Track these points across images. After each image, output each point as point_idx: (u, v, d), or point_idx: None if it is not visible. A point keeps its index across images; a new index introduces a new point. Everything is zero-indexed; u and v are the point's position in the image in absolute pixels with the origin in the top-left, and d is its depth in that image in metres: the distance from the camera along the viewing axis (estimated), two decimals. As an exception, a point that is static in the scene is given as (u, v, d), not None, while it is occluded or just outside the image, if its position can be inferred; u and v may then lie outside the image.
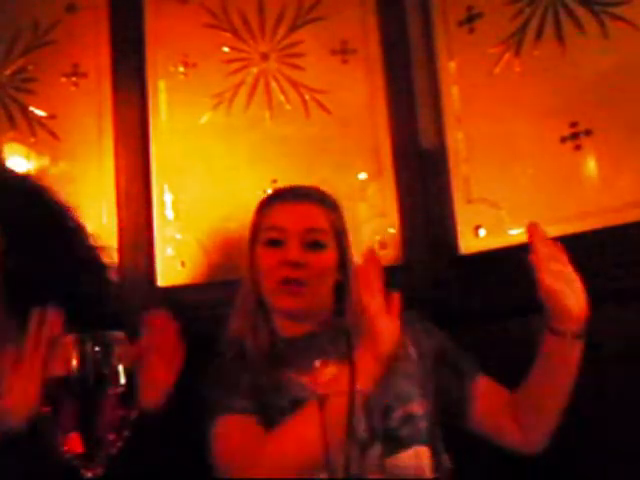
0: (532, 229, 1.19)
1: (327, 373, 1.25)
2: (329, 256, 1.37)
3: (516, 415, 1.31)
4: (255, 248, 1.41)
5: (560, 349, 1.20)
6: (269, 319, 1.38)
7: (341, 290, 1.39)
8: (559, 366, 1.22)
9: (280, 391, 1.28)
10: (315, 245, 1.35)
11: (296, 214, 1.38)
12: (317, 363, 1.26)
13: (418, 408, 1.28)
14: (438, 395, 1.34)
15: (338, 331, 1.29)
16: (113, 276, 1.43)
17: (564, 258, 1.17)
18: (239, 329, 1.38)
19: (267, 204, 1.43)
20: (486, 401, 1.35)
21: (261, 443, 1.19)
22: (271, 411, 1.25)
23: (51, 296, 1.10)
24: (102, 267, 1.38)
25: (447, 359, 1.38)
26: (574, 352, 1.21)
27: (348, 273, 1.38)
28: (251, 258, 1.41)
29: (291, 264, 1.32)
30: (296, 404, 1.20)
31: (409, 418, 1.26)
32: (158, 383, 1.18)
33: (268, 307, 1.38)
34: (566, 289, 1.16)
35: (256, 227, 1.42)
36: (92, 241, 1.39)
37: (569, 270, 1.17)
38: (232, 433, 1.24)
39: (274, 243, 1.36)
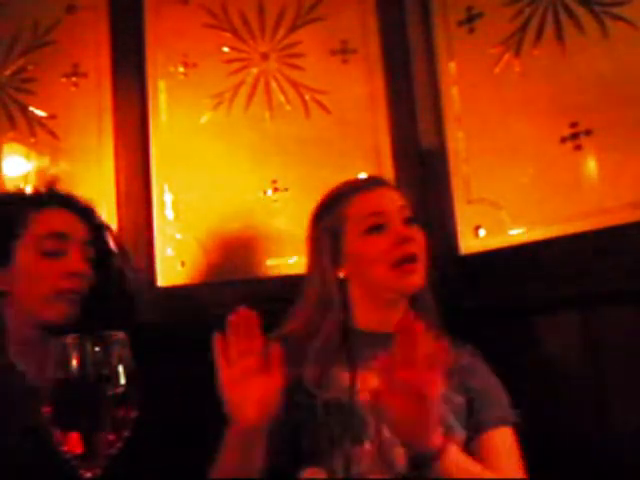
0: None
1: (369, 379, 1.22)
2: (420, 230, 1.39)
3: None
4: (342, 245, 1.38)
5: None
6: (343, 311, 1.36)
7: None
8: None
9: (325, 386, 1.27)
10: (411, 220, 1.38)
11: (387, 196, 1.40)
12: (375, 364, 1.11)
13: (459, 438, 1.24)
14: None
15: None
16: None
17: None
18: (305, 324, 1.36)
19: (343, 198, 1.41)
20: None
21: None
22: (304, 411, 1.24)
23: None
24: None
25: (475, 403, 1.31)
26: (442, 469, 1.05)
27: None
28: (332, 259, 1.37)
29: (404, 241, 1.33)
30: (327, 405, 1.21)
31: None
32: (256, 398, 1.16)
33: (361, 301, 1.37)
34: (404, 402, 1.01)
35: (336, 224, 1.39)
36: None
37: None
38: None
39: (377, 229, 1.35)
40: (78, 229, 1.38)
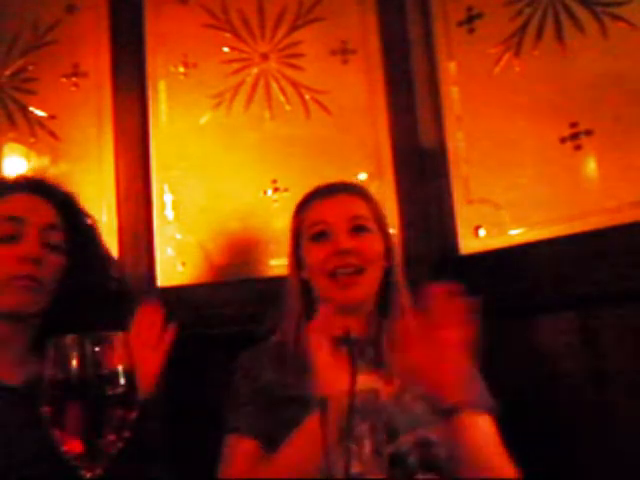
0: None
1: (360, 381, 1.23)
2: (377, 239, 1.38)
3: None
4: (299, 249, 1.41)
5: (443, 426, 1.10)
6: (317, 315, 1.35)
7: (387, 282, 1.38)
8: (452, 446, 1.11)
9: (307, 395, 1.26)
10: (361, 229, 1.37)
11: (337, 205, 1.39)
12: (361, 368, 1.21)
13: (433, 434, 1.21)
14: None
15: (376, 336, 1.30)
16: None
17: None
18: (286, 330, 1.37)
19: (305, 203, 1.44)
20: None
21: (259, 470, 1.20)
22: (290, 422, 1.22)
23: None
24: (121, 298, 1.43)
25: None
26: (452, 429, 1.08)
27: (393, 261, 1.39)
28: (296, 260, 1.41)
29: (341, 252, 1.32)
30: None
31: (424, 443, 1.21)
32: (147, 370, 1.26)
33: (319, 303, 1.36)
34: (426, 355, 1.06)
35: (297, 228, 1.43)
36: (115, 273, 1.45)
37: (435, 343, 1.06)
38: (233, 457, 1.25)
39: (320, 236, 1.36)
40: (40, 214, 1.31)
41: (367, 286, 1.34)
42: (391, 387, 1.23)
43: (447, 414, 1.07)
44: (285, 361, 1.33)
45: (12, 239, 1.27)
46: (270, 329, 1.42)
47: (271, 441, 1.22)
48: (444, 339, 1.05)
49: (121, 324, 1.24)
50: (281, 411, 1.24)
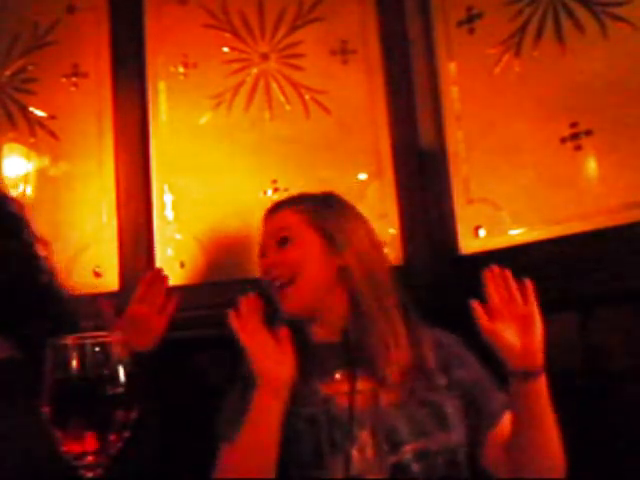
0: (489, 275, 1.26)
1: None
2: (305, 246, 1.37)
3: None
4: None
5: (517, 392, 1.20)
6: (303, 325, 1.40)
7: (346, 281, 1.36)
8: (524, 410, 1.20)
9: (302, 401, 1.26)
10: (284, 241, 1.38)
11: (269, 223, 1.44)
12: (337, 375, 1.20)
13: (434, 444, 1.23)
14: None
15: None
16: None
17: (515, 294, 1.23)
18: None
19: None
20: (499, 450, 1.28)
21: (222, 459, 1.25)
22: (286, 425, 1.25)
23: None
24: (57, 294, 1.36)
25: (474, 397, 1.31)
26: (532, 393, 1.19)
27: (347, 258, 1.35)
28: None
29: (268, 268, 1.38)
30: (310, 419, 1.21)
31: (424, 454, 1.21)
32: (151, 329, 1.45)
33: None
34: (506, 327, 1.20)
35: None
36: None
37: (516, 306, 1.22)
38: (224, 466, 1.25)
39: (261, 256, 1.43)
40: None
41: (300, 295, 1.35)
42: (392, 395, 1.23)
43: (533, 376, 1.18)
44: None
45: None
46: None
47: None
48: (526, 312, 1.21)
49: (51, 322, 1.22)
50: None
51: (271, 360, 1.26)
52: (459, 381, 1.32)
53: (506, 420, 1.28)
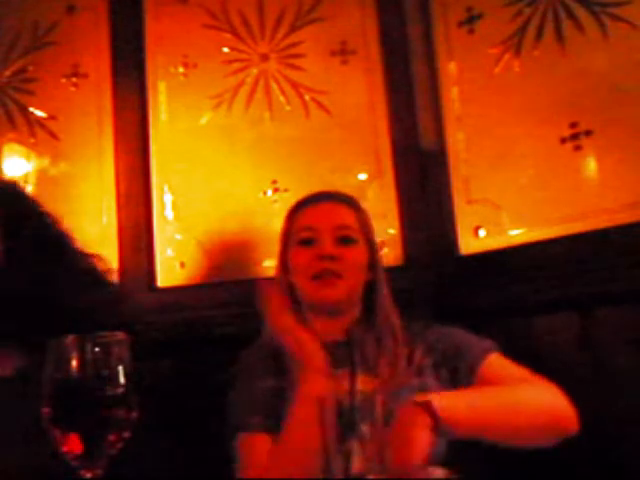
0: None
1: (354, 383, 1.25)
2: (361, 251, 1.41)
3: None
4: (287, 252, 1.44)
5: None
6: (306, 322, 1.39)
7: (371, 292, 1.42)
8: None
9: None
10: (346, 240, 1.40)
11: (325, 213, 1.43)
12: (339, 372, 1.24)
13: None
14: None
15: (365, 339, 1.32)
16: (113, 281, 1.42)
17: None
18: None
19: (296, 209, 1.47)
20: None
21: (271, 456, 1.21)
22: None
23: (51, 311, 1.12)
24: (99, 275, 1.37)
25: (459, 357, 1.33)
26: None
27: (378, 272, 1.42)
28: (283, 263, 1.44)
29: (326, 257, 1.36)
30: None
31: None
32: None
33: (304, 309, 1.40)
34: None
35: (287, 232, 1.46)
36: (85, 250, 1.37)
37: None
38: (248, 453, 1.25)
39: (306, 242, 1.40)
40: None
41: (344, 289, 1.37)
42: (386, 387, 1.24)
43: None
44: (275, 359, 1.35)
45: None
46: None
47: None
48: None
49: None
50: (282, 403, 1.24)
51: (315, 344, 1.25)
52: (442, 355, 1.34)
53: (489, 364, 1.30)
